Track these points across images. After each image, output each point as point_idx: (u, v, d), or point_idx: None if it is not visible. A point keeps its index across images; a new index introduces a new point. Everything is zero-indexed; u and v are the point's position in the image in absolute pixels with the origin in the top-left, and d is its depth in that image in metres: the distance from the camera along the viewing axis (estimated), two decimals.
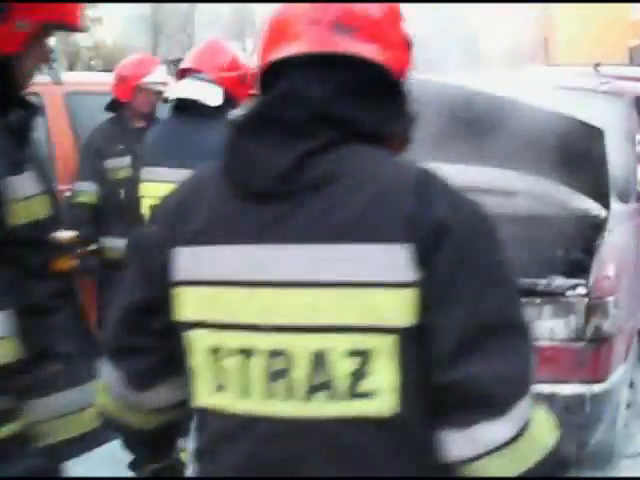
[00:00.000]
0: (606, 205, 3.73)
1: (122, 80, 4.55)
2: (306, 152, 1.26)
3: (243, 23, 25.14)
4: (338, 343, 1.23)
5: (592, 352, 3.45)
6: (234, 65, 3.55)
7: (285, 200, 1.27)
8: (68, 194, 4.71)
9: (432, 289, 1.22)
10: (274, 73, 1.36)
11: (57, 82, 4.95)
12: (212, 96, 3.46)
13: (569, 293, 3.46)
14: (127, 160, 4.42)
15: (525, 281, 3.53)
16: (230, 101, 3.50)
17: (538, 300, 3.48)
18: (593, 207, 3.77)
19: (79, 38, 27.04)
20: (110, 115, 4.68)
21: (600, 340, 3.45)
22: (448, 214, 1.24)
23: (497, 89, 3.88)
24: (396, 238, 1.22)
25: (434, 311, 1.22)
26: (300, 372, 1.24)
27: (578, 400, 3.42)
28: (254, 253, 1.28)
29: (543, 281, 3.53)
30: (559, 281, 3.53)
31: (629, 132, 4.18)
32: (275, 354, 1.25)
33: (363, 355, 1.22)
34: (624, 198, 3.97)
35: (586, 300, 3.43)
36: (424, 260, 1.22)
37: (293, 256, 1.26)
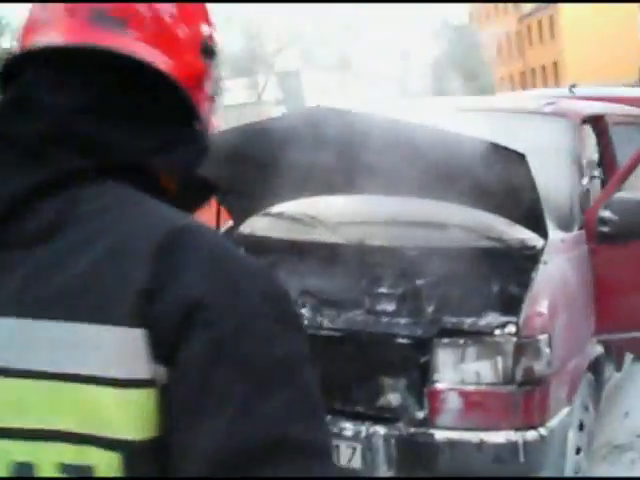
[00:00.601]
0: (544, 235, 3.45)
1: None
2: (28, 188, 0.95)
3: (253, 59, 25.17)
4: (48, 455, 0.92)
5: (523, 396, 3.15)
6: None
7: None
8: None
9: (178, 392, 0.90)
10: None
11: None
12: None
13: (497, 332, 3.18)
14: None
15: (449, 320, 3.27)
16: None
17: (461, 341, 3.20)
18: (530, 237, 3.49)
19: None
20: None
21: (532, 383, 3.15)
22: (202, 291, 0.91)
23: (426, 117, 3.66)
24: (126, 320, 0.90)
25: (178, 424, 0.90)
26: None
27: (510, 449, 3.12)
28: None
29: (469, 320, 3.25)
30: (488, 319, 3.26)
31: (573, 154, 3.91)
32: None
33: (81, 472, 0.91)
34: (565, 226, 3.69)
35: (514, 339, 3.15)
36: (167, 352, 0.90)
37: None
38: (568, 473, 3.50)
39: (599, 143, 4.40)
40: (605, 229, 3.69)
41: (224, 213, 4.24)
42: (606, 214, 3.69)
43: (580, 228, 3.74)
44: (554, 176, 3.78)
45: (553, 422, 3.23)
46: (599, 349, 3.81)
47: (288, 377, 0.93)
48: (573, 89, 6.26)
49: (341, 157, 3.57)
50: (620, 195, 3.77)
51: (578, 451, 3.60)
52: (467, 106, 4.35)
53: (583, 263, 3.68)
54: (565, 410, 3.35)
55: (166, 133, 1.04)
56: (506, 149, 3.13)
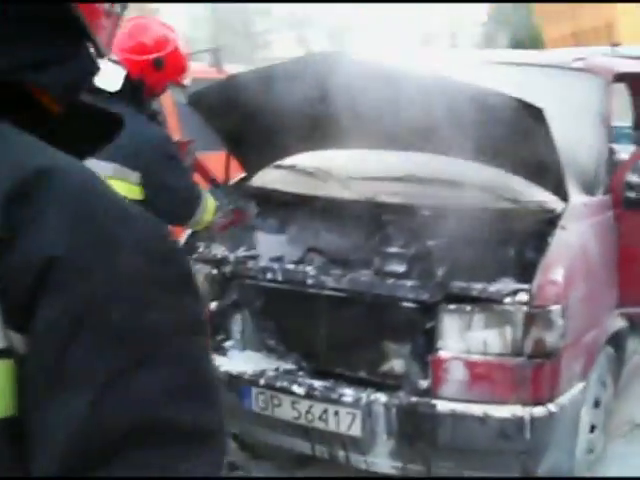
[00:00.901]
0: (565, 197, 3.22)
1: None
2: None
3: (303, 14, 24.88)
4: None
5: (533, 369, 2.95)
6: (142, 48, 3.22)
7: None
8: None
9: (31, 366, 0.77)
10: None
11: None
12: (111, 81, 3.15)
13: (507, 300, 2.98)
14: None
15: (458, 285, 3.07)
16: (140, 88, 3.20)
17: (468, 307, 3.00)
18: (549, 200, 3.26)
19: None
20: None
21: (543, 356, 2.95)
22: (61, 246, 0.76)
23: (449, 68, 3.44)
24: None
25: (32, 403, 0.77)
26: None
27: (515, 424, 2.93)
28: None
29: (478, 285, 3.05)
30: (499, 285, 3.05)
31: (601, 114, 3.63)
32: None
33: None
34: (590, 190, 3.44)
35: (525, 309, 2.94)
36: (21, 317, 0.76)
37: None
38: (580, 452, 3.31)
39: (634, 103, 4.13)
40: (632, 194, 3.45)
41: (234, 164, 4.06)
42: (634, 178, 3.45)
43: (606, 193, 3.50)
44: (580, 136, 3.54)
45: (564, 398, 3.03)
46: (621, 322, 3.58)
47: (166, 350, 0.79)
48: (615, 48, 5.94)
49: (354, 109, 3.36)
50: None
51: (592, 429, 3.41)
52: (493, 59, 4.10)
53: (607, 230, 3.44)
54: (578, 386, 3.15)
55: (43, 48, 0.87)
56: (522, 102, 2.89)
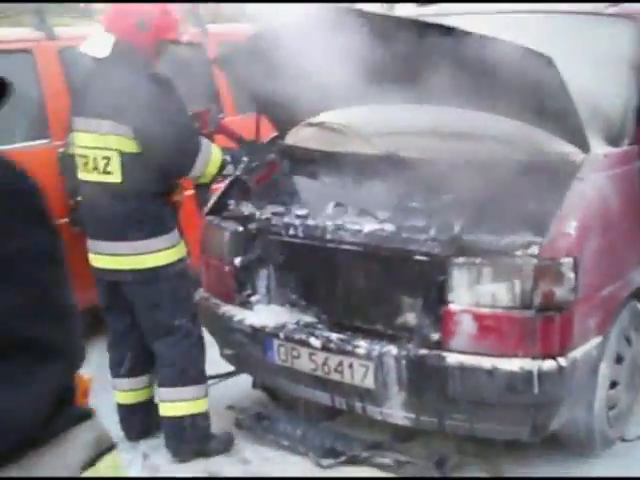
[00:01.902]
0: (586, 148, 3.15)
1: None
2: None
3: None
4: None
5: (542, 322, 2.91)
6: (121, 14, 3.37)
7: None
8: (61, 150, 4.62)
9: None
10: None
11: (51, 37, 4.85)
12: (100, 48, 3.36)
13: (518, 253, 2.94)
14: None
15: (470, 238, 3.05)
16: (131, 50, 3.35)
17: (477, 260, 2.98)
18: (571, 152, 3.19)
19: None
20: None
21: (553, 309, 2.91)
22: None
23: (475, 21, 3.39)
24: None
25: None
26: None
27: (523, 378, 2.91)
28: None
29: (490, 238, 3.02)
30: (512, 238, 3.01)
31: (632, 60, 3.50)
32: None
33: None
34: (614, 140, 3.34)
35: (534, 261, 2.91)
36: None
37: None
38: (599, 407, 3.26)
39: None
40: None
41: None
42: None
43: (632, 143, 3.39)
44: (609, 84, 3.43)
45: (576, 352, 2.98)
46: None
47: (15, 274, 0.88)
48: None
49: (375, 63, 3.34)
50: None
51: (614, 385, 3.35)
52: (524, 8, 3.99)
53: (630, 181, 3.34)
54: (594, 340, 3.09)
55: None
56: (531, 50, 2.82)
